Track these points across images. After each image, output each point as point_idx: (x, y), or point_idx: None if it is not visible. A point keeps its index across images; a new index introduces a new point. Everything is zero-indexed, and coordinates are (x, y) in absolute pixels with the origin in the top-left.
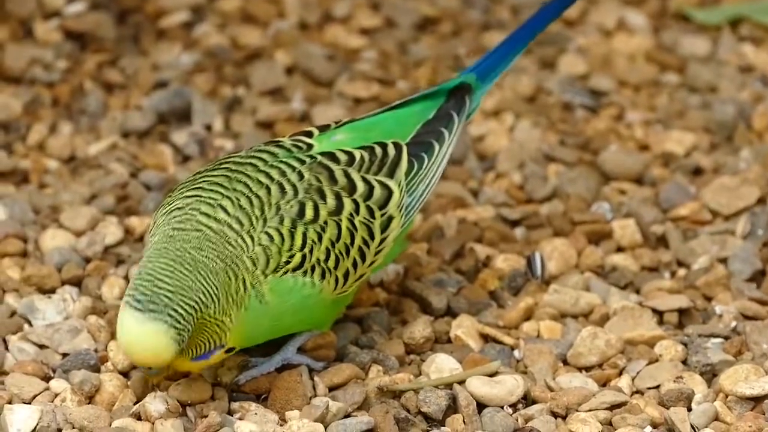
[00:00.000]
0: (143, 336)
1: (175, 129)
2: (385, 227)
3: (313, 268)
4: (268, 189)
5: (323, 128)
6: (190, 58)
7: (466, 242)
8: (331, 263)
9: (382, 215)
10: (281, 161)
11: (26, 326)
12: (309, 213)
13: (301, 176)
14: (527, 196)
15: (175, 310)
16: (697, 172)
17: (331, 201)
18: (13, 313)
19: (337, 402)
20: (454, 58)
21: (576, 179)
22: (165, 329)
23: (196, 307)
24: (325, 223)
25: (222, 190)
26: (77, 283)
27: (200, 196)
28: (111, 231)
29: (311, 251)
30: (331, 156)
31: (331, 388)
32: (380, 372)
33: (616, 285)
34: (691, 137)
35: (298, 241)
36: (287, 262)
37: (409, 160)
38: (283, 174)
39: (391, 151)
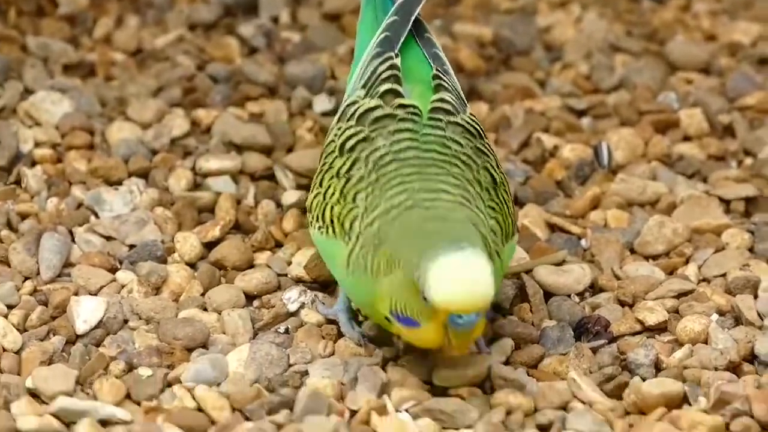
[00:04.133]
0: (478, 273)
1: (242, 21)
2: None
3: (515, 226)
4: (457, 165)
5: (396, 81)
6: None
7: (533, 132)
8: (514, 214)
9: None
10: (428, 135)
11: (93, 218)
12: (496, 176)
13: (458, 143)
14: (594, 86)
15: (482, 246)
16: (764, 61)
17: (489, 154)
18: (79, 205)
19: None
20: None
21: (642, 69)
22: (488, 263)
23: (487, 244)
24: (502, 179)
25: (424, 178)
26: (144, 174)
27: (413, 189)
28: (177, 123)
29: (510, 211)
30: (447, 112)
31: None
32: None
33: (683, 174)
34: (758, 27)
35: (504, 206)
36: (510, 231)
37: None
38: (446, 147)
39: (448, 83)
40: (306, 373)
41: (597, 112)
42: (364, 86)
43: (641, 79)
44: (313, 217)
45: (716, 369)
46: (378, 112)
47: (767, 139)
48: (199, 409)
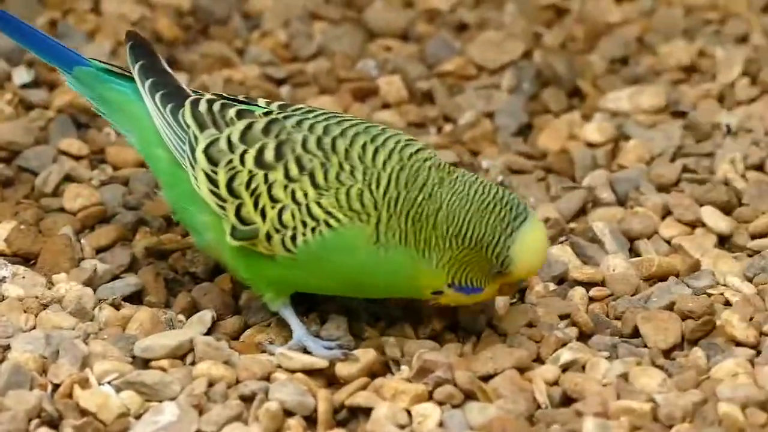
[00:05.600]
0: (545, 237)
1: None
2: None
3: None
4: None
5: (234, 104)
6: None
7: None
8: None
9: None
10: (317, 117)
11: None
12: None
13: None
14: (293, 54)
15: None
16: (462, 27)
17: None
18: None
19: (105, 264)
20: None
21: (341, 37)
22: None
23: None
24: None
25: (383, 139)
26: None
27: (393, 150)
28: None
29: None
30: (287, 104)
31: (99, 250)
32: (147, 233)
33: None
34: None
35: None
36: None
37: None
38: (339, 115)
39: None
40: (8, 347)
41: (296, 81)
42: (203, 129)
43: (340, 47)
44: (293, 230)
45: (419, 338)
46: (259, 125)
47: (466, 105)
48: None
